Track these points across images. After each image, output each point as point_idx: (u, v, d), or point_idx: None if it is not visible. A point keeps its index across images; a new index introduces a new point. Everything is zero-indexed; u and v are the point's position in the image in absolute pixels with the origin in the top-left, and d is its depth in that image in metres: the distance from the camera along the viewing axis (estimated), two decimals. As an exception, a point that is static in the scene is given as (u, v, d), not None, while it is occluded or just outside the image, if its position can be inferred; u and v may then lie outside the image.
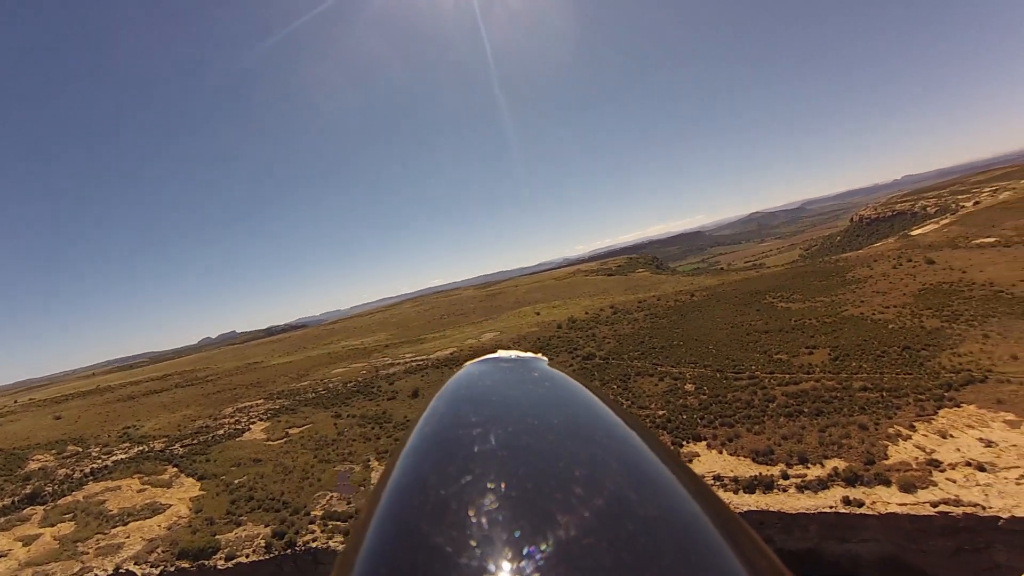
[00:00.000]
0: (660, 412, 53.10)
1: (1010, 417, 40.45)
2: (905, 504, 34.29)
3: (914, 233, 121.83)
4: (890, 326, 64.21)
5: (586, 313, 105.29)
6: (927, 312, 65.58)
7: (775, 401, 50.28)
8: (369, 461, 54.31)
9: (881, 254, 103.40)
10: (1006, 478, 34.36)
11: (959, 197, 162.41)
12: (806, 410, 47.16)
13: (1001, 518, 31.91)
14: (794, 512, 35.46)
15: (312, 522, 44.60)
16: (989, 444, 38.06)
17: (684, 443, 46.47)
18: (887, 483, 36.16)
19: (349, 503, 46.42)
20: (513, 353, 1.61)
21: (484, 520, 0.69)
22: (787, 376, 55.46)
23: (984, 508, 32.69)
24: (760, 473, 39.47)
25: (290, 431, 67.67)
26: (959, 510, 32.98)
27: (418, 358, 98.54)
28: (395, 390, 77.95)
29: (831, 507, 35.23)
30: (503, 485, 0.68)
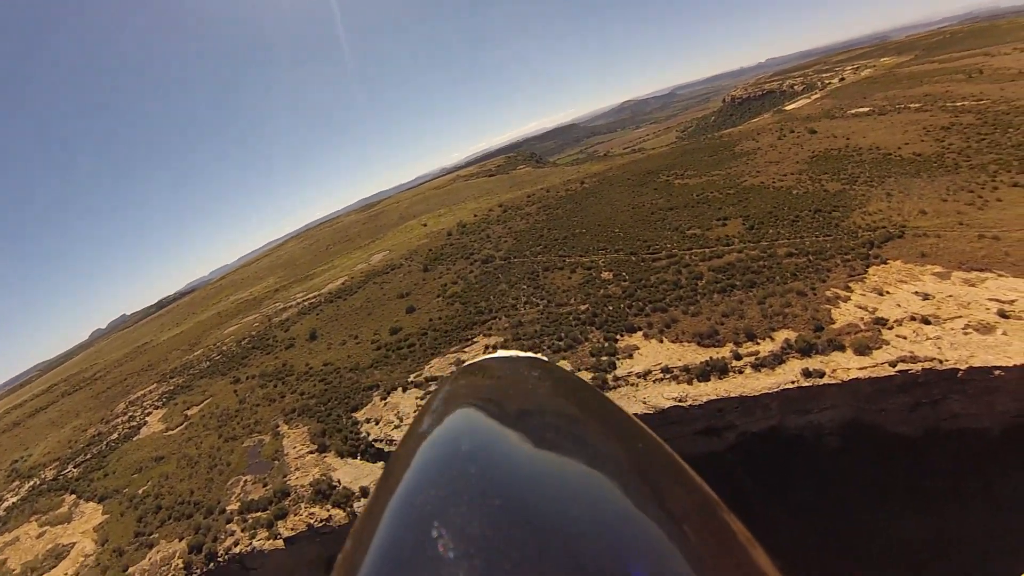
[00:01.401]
0: (582, 307, 48.86)
1: (938, 269, 40.17)
2: (864, 368, 32.72)
3: (788, 108, 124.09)
4: (794, 191, 63.78)
5: (475, 216, 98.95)
6: (824, 177, 65.61)
7: (703, 278, 47.67)
8: (278, 427, 47.06)
9: (762, 128, 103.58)
10: (953, 329, 33.68)
11: (823, 75, 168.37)
12: (738, 283, 44.94)
13: (959, 369, 31.06)
14: (756, 394, 32.67)
15: (230, 520, 37.12)
16: (926, 297, 37.39)
17: (618, 336, 42.66)
18: (841, 348, 34.52)
19: (265, 485, 39.23)
20: (512, 353, 1.57)
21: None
22: (707, 251, 53.00)
23: (941, 362, 31.73)
24: (710, 357, 36.49)
25: (189, 412, 60.13)
26: (917, 366, 31.90)
27: (310, 296, 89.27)
28: (292, 337, 70.09)
29: (792, 382, 33.00)
30: (494, 534, 0.68)
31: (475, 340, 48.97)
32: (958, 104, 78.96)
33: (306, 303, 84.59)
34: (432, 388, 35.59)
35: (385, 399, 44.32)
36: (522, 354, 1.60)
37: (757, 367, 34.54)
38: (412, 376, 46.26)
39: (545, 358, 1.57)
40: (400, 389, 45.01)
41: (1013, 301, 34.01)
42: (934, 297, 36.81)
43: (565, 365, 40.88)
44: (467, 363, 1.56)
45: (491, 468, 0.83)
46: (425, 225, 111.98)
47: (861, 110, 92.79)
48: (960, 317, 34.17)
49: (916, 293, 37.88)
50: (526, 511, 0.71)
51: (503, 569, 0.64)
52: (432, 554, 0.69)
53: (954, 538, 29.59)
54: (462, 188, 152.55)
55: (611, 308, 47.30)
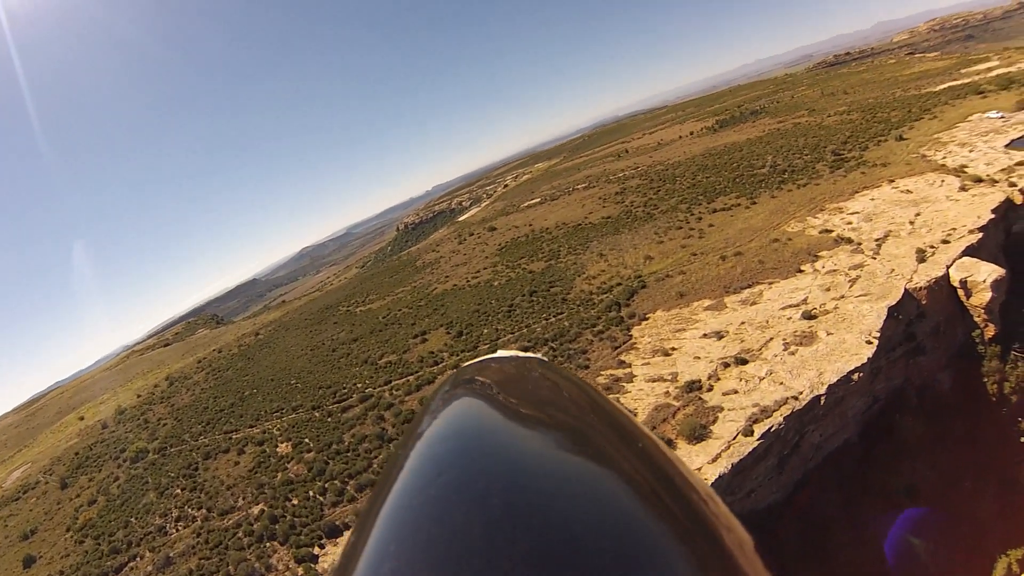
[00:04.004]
0: (256, 509, 32.50)
1: (707, 302, 35.81)
2: (717, 457, 24.10)
3: (462, 219, 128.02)
4: (495, 284, 58.05)
5: (138, 397, 77.92)
6: (523, 261, 61.81)
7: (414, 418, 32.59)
8: None
9: (440, 240, 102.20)
10: (776, 356, 28.20)
11: (488, 188, 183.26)
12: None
13: (820, 396, 25.36)
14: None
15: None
16: (719, 335, 32.76)
17: (314, 547, 27.63)
18: (669, 443, 25.45)
19: None
20: (512, 352, 1.61)
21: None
22: (412, 379, 41.91)
23: (796, 397, 25.37)
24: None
25: None
26: (776, 418, 24.66)
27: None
28: None
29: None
30: (497, 532, 0.68)
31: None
32: (619, 175, 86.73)
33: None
34: None
35: None
36: (522, 354, 1.59)
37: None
38: None
39: (546, 358, 1.55)
40: None
41: (805, 300, 31.46)
42: (727, 332, 31.44)
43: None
44: (467, 363, 1.52)
45: (491, 468, 0.82)
46: (82, 418, 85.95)
47: (534, 201, 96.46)
48: (770, 340, 29.25)
49: (705, 335, 31.36)
50: (526, 511, 0.71)
51: (503, 569, 0.64)
52: (432, 554, 0.68)
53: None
54: (135, 364, 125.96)
55: (296, 502, 31.57)
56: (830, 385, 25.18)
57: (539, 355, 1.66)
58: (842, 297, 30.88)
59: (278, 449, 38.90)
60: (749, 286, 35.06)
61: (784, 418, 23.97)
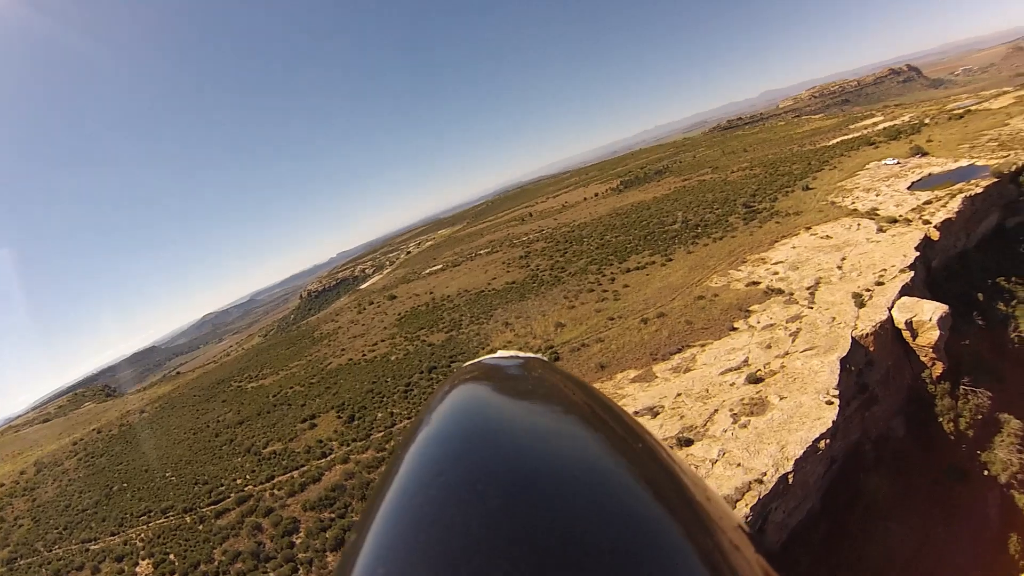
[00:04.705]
0: None
1: (633, 373, 31.12)
2: None
3: (364, 287, 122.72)
4: (392, 358, 53.30)
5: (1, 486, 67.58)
6: (422, 332, 57.64)
7: (298, 530, 29.66)
8: None
9: (340, 309, 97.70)
10: (726, 431, 23.83)
11: (391, 255, 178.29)
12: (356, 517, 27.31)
13: (788, 472, 21.58)
14: None
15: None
16: (654, 412, 27.85)
17: None
18: None
19: None
20: (513, 353, 1.61)
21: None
22: (296, 475, 36.04)
23: (760, 480, 21.06)
24: None
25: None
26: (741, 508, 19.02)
27: None
28: None
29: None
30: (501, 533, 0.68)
31: None
32: (523, 239, 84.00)
33: None
34: None
35: None
36: (522, 354, 1.58)
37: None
38: None
39: (546, 358, 1.56)
40: None
41: (746, 361, 27.65)
42: (663, 407, 26.32)
43: None
44: (467, 363, 1.53)
45: (491, 468, 0.82)
46: (-79, 516, 68.42)
47: (435, 268, 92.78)
48: (715, 412, 24.76)
49: (637, 413, 26.24)
50: (526, 511, 0.71)
51: (503, 569, 0.63)
52: (432, 555, 0.68)
53: None
54: (6, 443, 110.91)
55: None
56: (797, 460, 20.77)
57: (540, 355, 1.61)
58: (787, 354, 27.18)
59: (137, 569, 33.25)
60: (679, 350, 30.97)
61: (751, 508, 19.22)
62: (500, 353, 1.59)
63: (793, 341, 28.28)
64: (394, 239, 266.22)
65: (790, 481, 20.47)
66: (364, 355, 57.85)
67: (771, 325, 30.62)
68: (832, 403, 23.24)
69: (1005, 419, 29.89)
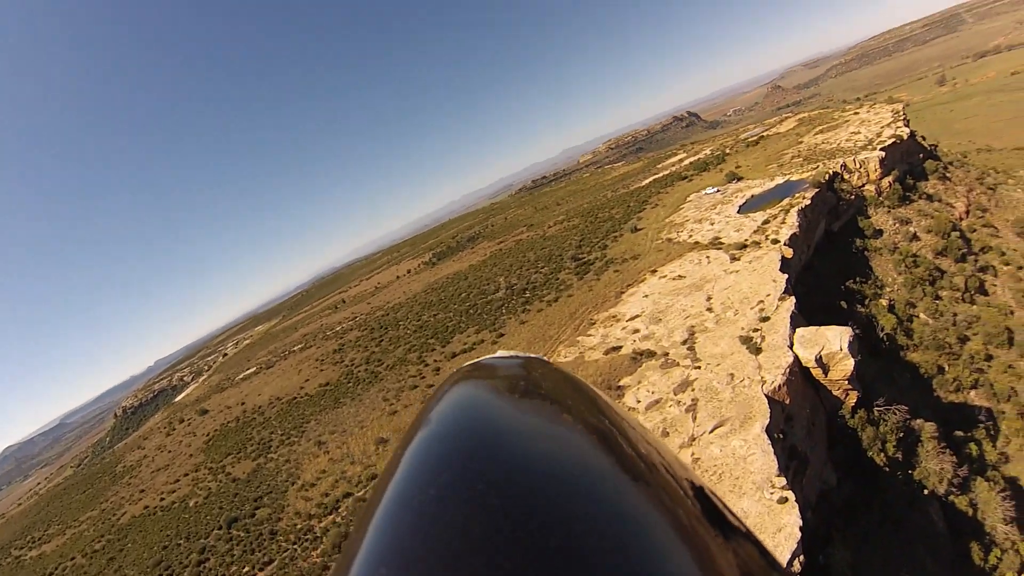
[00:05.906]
0: None
1: None
2: None
3: (179, 399, 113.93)
4: (191, 502, 46.01)
5: None
6: (228, 460, 50.41)
7: None
8: None
9: (151, 431, 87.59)
10: None
11: (209, 358, 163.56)
12: None
13: None
14: None
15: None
16: None
17: None
18: None
19: None
20: (513, 352, 1.58)
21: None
22: None
23: None
24: None
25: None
26: None
27: None
28: None
29: None
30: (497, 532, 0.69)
31: None
32: (337, 329, 79.34)
33: None
34: None
35: None
36: (522, 353, 1.55)
37: None
38: None
39: (547, 358, 1.50)
40: None
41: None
42: None
43: None
44: (467, 363, 1.45)
45: (491, 467, 0.82)
46: None
47: (249, 371, 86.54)
48: None
49: None
50: (526, 511, 0.71)
51: (503, 569, 0.63)
52: (432, 554, 0.68)
53: None
54: None
55: None
56: None
57: (540, 355, 1.58)
58: (693, 439, 21.51)
59: None
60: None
61: None
62: (500, 353, 1.54)
63: (694, 419, 22.68)
64: (211, 341, 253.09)
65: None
66: (162, 499, 50.58)
67: (657, 402, 24.95)
68: (785, 500, 17.58)
69: (919, 426, 29.15)
